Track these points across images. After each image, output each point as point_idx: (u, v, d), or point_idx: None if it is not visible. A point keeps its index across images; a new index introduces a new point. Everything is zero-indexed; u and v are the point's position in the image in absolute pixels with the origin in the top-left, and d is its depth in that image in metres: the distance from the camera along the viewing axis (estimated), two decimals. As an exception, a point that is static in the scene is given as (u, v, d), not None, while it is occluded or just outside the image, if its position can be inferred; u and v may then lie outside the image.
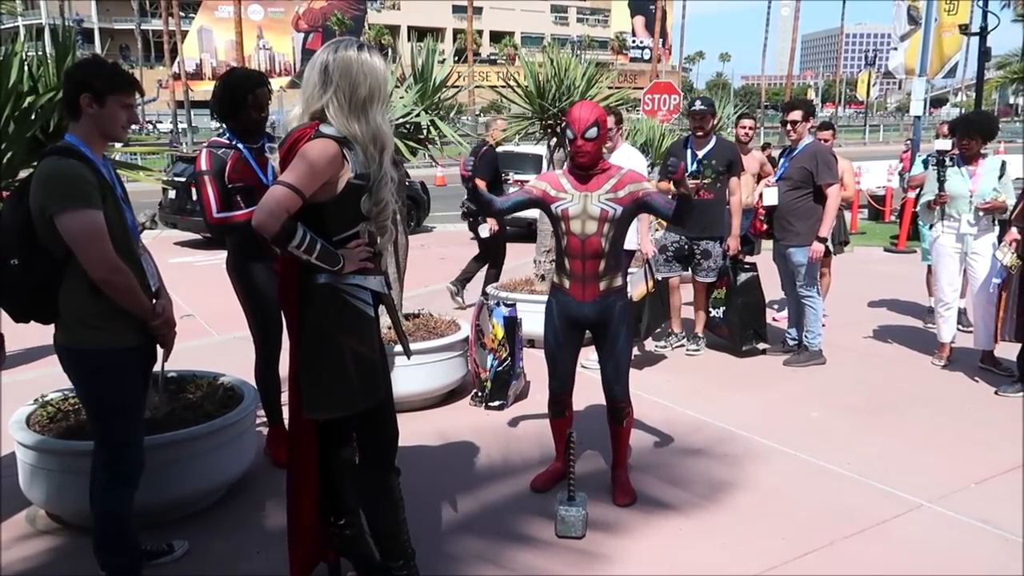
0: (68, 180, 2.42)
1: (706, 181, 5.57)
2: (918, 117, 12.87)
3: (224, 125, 3.67)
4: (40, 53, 3.44)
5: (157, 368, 2.91)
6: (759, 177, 6.85)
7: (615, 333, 3.40)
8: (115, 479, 2.64)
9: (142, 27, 53.01)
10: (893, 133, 45.15)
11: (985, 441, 4.22)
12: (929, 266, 6.61)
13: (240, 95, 3.54)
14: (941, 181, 5.36)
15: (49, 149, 2.58)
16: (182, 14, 49.27)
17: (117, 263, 2.48)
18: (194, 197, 10.64)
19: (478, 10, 60.83)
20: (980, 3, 12.91)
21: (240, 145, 3.59)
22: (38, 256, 2.49)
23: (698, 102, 5.69)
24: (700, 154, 5.65)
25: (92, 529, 2.71)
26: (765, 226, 5.77)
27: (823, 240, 5.43)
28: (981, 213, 5.23)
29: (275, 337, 3.75)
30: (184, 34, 51.87)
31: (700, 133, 5.65)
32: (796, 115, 5.55)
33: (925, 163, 6.80)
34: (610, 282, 3.37)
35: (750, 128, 6.76)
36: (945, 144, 5.52)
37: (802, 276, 5.55)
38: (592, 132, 3.27)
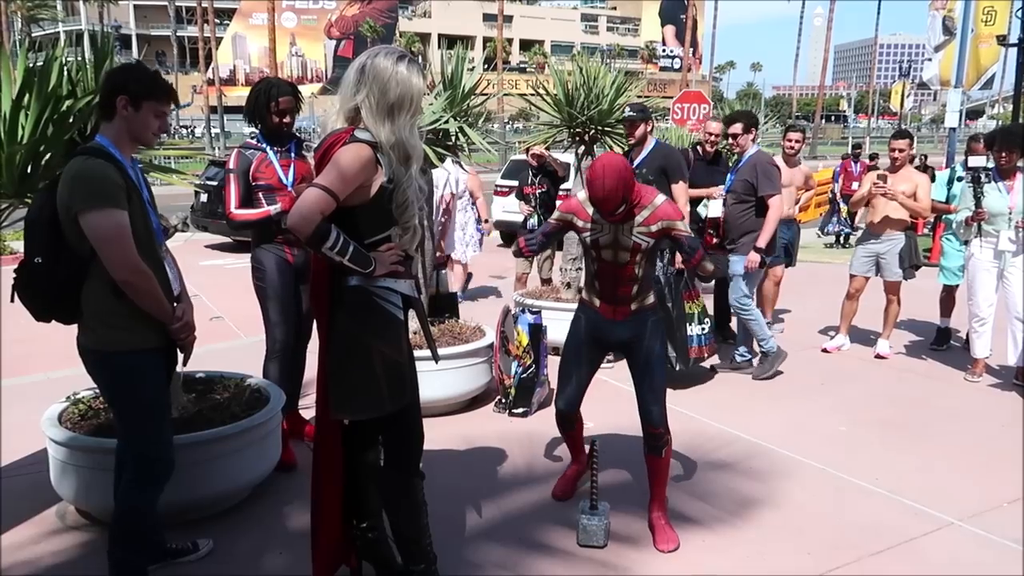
0: (95, 180, 2.44)
1: None
2: (953, 129, 12.70)
3: (257, 129, 3.90)
4: (79, 58, 3.51)
5: (179, 370, 2.94)
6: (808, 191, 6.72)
7: (648, 348, 3.26)
8: (142, 479, 2.66)
9: (178, 33, 54.02)
10: (928, 145, 44.51)
11: (1019, 460, 4.13)
12: (944, 285, 6.46)
13: (264, 102, 3.76)
14: (978, 198, 5.26)
15: (79, 149, 2.60)
16: (217, 21, 50.07)
17: (139, 264, 2.49)
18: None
19: (508, 18, 61.13)
20: (1019, 14, 12.69)
21: (267, 147, 3.84)
22: (63, 255, 2.51)
23: (627, 109, 5.51)
24: (636, 162, 5.46)
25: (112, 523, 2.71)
26: (715, 239, 5.63)
27: (759, 250, 5.33)
28: (1022, 230, 5.13)
29: (282, 327, 3.89)
30: (219, 41, 52.73)
31: (632, 140, 5.50)
32: (736, 128, 5.49)
33: (949, 182, 6.56)
34: (642, 302, 3.28)
35: (796, 141, 6.54)
36: (980, 160, 5.39)
37: (735, 287, 5.44)
38: (621, 210, 3.06)
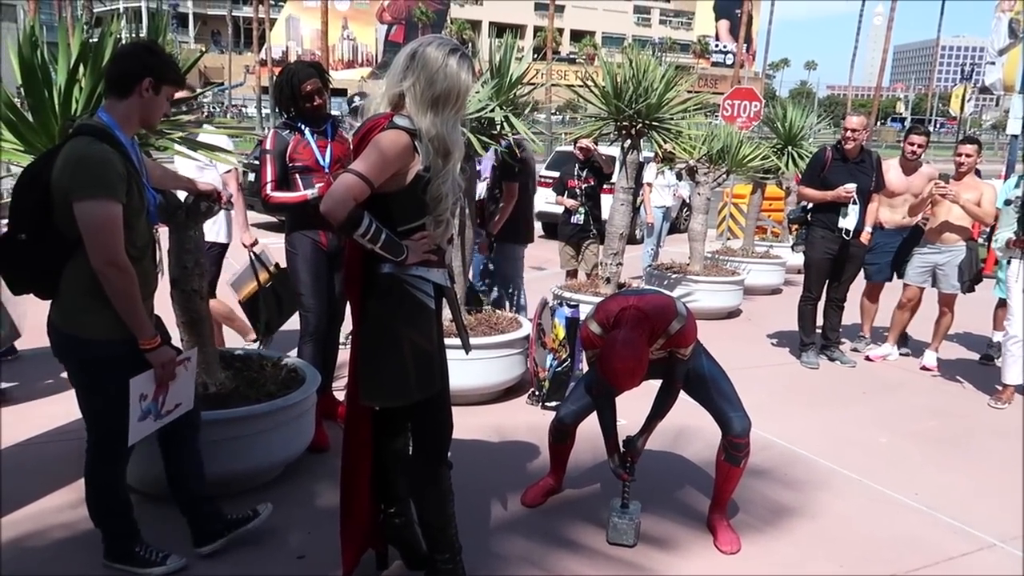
0: (98, 166, 2.38)
1: None
2: (1015, 136, 12.22)
3: (289, 113, 3.90)
4: (133, 35, 3.56)
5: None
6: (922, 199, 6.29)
7: (696, 367, 3.15)
8: (103, 458, 2.67)
9: (233, 13, 54.80)
10: (987, 152, 43.11)
11: (1068, 483, 3.98)
12: (1000, 298, 6.22)
13: (290, 93, 3.77)
14: (1022, 221, 4.98)
15: (81, 127, 2.49)
16: (272, 2, 50.67)
17: (122, 259, 2.41)
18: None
19: (560, 8, 60.62)
20: (1092, 18, 12.17)
21: (304, 128, 3.84)
22: (48, 234, 2.44)
23: None
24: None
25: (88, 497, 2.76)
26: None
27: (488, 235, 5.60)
28: None
29: (315, 312, 3.92)
30: (273, 22, 53.39)
31: None
32: None
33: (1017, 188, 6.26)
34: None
35: (919, 146, 6.04)
36: None
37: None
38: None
